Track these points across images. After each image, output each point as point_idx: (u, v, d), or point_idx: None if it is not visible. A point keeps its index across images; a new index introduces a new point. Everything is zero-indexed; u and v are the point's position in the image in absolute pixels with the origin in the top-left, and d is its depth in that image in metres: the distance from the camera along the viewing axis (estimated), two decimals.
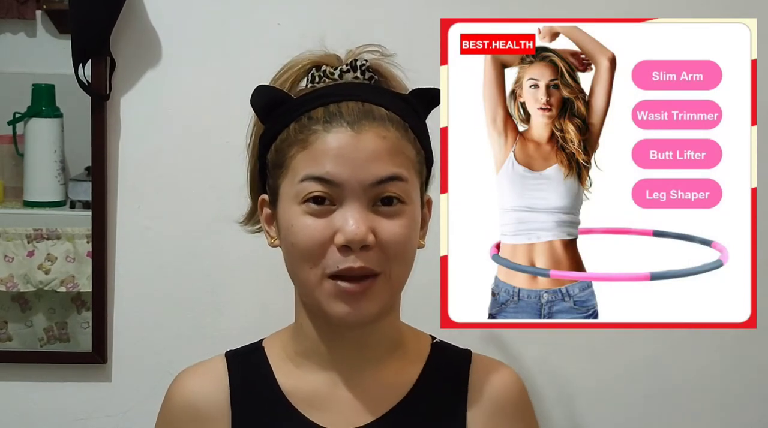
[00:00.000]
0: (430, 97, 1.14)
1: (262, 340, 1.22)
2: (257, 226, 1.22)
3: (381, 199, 1.07)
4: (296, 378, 1.16)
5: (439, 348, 1.20)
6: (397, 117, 1.10)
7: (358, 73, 1.14)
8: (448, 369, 1.18)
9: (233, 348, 1.22)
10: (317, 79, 1.14)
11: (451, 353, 1.21)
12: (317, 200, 1.07)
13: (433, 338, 1.22)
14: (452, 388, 1.17)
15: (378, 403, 1.14)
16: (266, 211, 1.16)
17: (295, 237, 1.08)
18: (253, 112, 1.16)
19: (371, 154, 1.07)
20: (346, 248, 1.05)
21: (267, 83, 1.16)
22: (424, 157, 1.13)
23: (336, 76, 1.14)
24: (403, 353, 1.17)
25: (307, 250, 1.07)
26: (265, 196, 1.16)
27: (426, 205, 1.15)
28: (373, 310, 1.08)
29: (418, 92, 1.15)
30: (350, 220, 1.05)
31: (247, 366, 1.18)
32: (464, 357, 1.20)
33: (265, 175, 1.15)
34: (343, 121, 1.07)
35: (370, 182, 1.06)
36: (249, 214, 1.23)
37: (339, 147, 1.06)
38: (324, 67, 1.14)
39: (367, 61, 1.15)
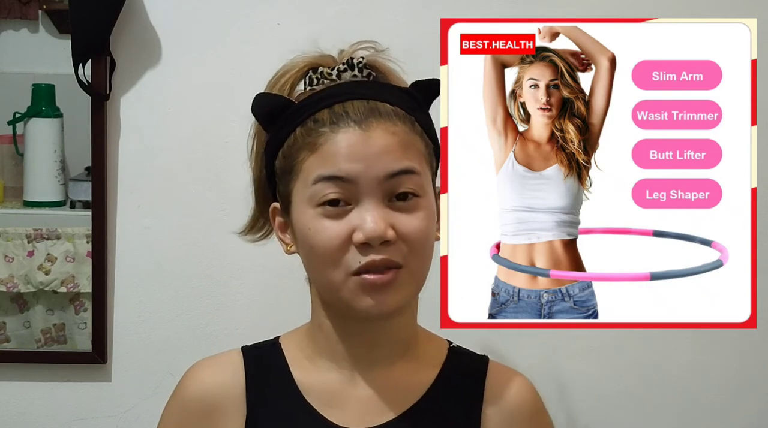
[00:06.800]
0: (430, 89, 1.14)
1: (278, 337, 1.21)
2: (258, 235, 1.20)
3: (396, 195, 1.06)
4: (312, 376, 1.15)
5: (456, 354, 1.19)
6: (402, 111, 1.10)
7: (356, 71, 1.13)
8: (465, 374, 1.17)
9: (249, 344, 1.20)
10: (315, 81, 1.13)
11: (468, 359, 1.20)
12: (332, 202, 1.06)
13: (450, 342, 1.21)
14: (468, 393, 1.16)
15: (393, 404, 1.13)
16: (279, 219, 1.14)
17: (313, 241, 1.07)
18: (253, 120, 1.15)
19: (382, 148, 1.06)
20: (365, 245, 1.05)
21: (263, 90, 1.15)
22: (433, 149, 1.13)
23: (334, 76, 1.13)
24: (416, 355, 1.16)
25: (327, 252, 1.06)
26: (277, 204, 1.14)
27: (438, 196, 1.13)
28: (396, 302, 1.07)
29: (419, 84, 1.14)
30: (368, 218, 1.04)
31: (263, 361, 1.17)
32: (481, 363, 1.19)
33: (275, 182, 1.13)
34: (350, 121, 1.07)
35: (384, 176, 1.05)
36: (251, 223, 1.21)
37: (349, 145, 1.06)
38: (321, 69, 1.13)
39: (363, 58, 1.14)
